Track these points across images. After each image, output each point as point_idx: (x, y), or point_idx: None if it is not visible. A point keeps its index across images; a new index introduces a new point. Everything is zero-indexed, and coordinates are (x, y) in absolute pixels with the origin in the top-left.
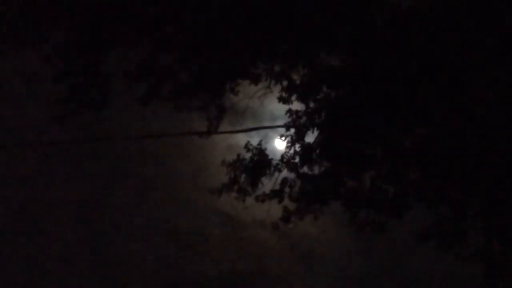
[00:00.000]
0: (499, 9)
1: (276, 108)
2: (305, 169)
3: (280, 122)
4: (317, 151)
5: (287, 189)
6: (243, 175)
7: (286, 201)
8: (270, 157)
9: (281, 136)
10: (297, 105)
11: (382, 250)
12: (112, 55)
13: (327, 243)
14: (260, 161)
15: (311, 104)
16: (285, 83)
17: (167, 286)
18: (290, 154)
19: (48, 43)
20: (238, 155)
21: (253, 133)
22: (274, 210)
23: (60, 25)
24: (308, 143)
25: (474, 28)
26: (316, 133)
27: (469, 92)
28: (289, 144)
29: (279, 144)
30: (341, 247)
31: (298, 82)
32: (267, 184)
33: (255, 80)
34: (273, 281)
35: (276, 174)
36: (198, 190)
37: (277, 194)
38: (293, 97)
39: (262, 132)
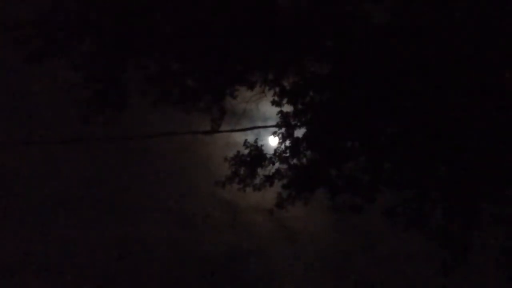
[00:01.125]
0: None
1: (268, 111)
2: (294, 161)
3: (273, 122)
4: (304, 145)
5: (279, 178)
6: (243, 168)
7: (278, 188)
8: (265, 152)
9: (274, 133)
10: (287, 108)
11: (359, 230)
12: (130, 64)
13: (312, 225)
14: (257, 156)
15: (299, 107)
16: (277, 89)
17: (174, 262)
18: (282, 149)
19: (77, 53)
20: (238, 151)
21: (250, 131)
22: (269, 197)
23: (86, 37)
24: (297, 138)
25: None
26: (303, 130)
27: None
28: (281, 140)
29: (272, 141)
30: (324, 228)
31: (288, 88)
32: (263, 174)
33: (252, 86)
34: (266, 258)
35: (270, 166)
36: (203, 181)
37: (269, 179)
38: (284, 101)
39: (257, 130)
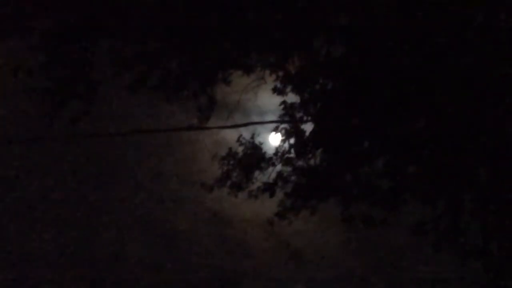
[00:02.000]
0: None
1: (269, 101)
2: (300, 163)
3: (274, 115)
4: (312, 143)
5: (281, 184)
6: (236, 170)
7: (281, 196)
8: (264, 151)
9: (276, 129)
10: (292, 97)
11: (378, 249)
12: (100, 45)
13: (321, 241)
14: (254, 156)
15: (307, 96)
16: (280, 73)
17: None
18: (285, 148)
19: (35, 33)
20: (230, 149)
21: (246, 126)
22: (268, 205)
23: (47, 14)
24: (303, 134)
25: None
26: (311, 125)
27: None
28: (284, 138)
29: (273, 138)
30: (333, 244)
31: (294, 72)
32: (261, 179)
33: (249, 71)
34: (264, 281)
35: (271, 169)
36: (188, 187)
37: (269, 188)
38: (288, 89)
39: (255, 126)
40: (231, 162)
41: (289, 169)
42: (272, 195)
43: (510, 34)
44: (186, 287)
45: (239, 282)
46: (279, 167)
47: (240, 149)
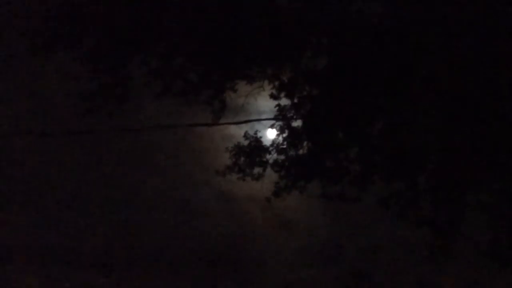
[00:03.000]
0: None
1: (267, 104)
2: (291, 152)
3: (271, 115)
4: (301, 136)
5: (276, 169)
6: (242, 159)
7: (276, 179)
8: (263, 143)
9: (272, 126)
10: (285, 101)
11: (350, 219)
12: (134, 59)
13: (306, 214)
14: (256, 147)
15: (296, 100)
16: (276, 83)
17: (172, 247)
18: (279, 141)
19: (83, 47)
20: (238, 142)
21: (249, 124)
22: (267, 186)
23: (91, 31)
24: (294, 130)
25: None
26: (300, 122)
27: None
28: (279, 133)
29: (270, 133)
30: (315, 217)
31: (286, 81)
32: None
33: (251, 81)
34: (261, 245)
35: (268, 156)
36: (203, 172)
37: (263, 164)
38: (282, 94)
39: (256, 123)
40: (238, 152)
41: (282, 157)
42: (264, 170)
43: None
44: (200, 250)
45: (241, 245)
46: (275, 155)
47: (245, 142)
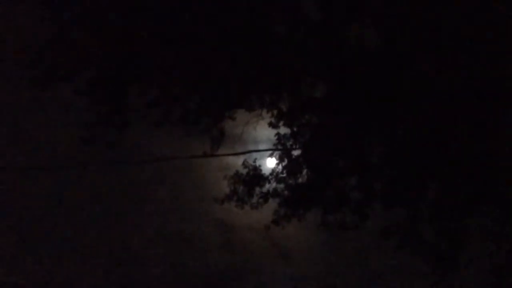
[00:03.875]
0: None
1: (266, 132)
2: (290, 181)
3: (270, 144)
4: (300, 165)
5: (275, 198)
6: (241, 187)
7: (275, 207)
8: (262, 172)
9: (271, 154)
10: (284, 129)
11: (350, 248)
12: (132, 89)
13: (305, 242)
14: (255, 176)
15: (295, 129)
16: (275, 111)
17: (169, 279)
18: (279, 170)
19: (80, 79)
20: (237, 170)
21: (248, 153)
22: (266, 214)
23: (90, 63)
24: (293, 158)
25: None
26: (299, 151)
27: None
28: (278, 161)
29: (270, 162)
30: (316, 245)
31: (285, 110)
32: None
33: (249, 109)
34: (259, 276)
35: (268, 185)
36: (201, 201)
37: (264, 196)
38: (281, 123)
39: (255, 152)
40: (237, 181)
41: (282, 185)
42: (266, 201)
43: None
44: (198, 279)
45: (240, 274)
46: (274, 184)
47: (244, 171)
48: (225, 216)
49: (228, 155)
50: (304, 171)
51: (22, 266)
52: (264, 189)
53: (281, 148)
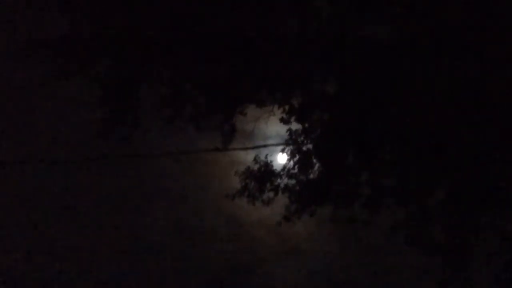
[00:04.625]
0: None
1: (277, 128)
2: (301, 177)
3: (281, 139)
4: (311, 161)
5: (287, 194)
6: (252, 183)
7: (286, 202)
8: (274, 168)
9: (282, 150)
10: (295, 125)
11: (360, 244)
12: (144, 85)
13: (315, 238)
14: (266, 171)
15: (307, 125)
16: (286, 107)
17: (179, 273)
18: (290, 166)
19: (93, 74)
20: (248, 166)
21: (260, 148)
22: (277, 211)
23: (102, 59)
24: (305, 154)
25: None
26: (311, 146)
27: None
28: (289, 157)
29: (281, 158)
30: (324, 242)
31: (296, 106)
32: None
33: (261, 105)
34: (269, 271)
35: (279, 180)
36: (212, 197)
37: (275, 189)
38: (292, 119)
39: (267, 148)
40: (248, 176)
41: (293, 181)
42: (276, 194)
43: None
44: (207, 275)
45: (250, 270)
46: (285, 180)
47: (255, 167)
48: (236, 211)
49: (239, 149)
50: (316, 167)
51: (35, 259)
52: (275, 185)
53: (292, 143)
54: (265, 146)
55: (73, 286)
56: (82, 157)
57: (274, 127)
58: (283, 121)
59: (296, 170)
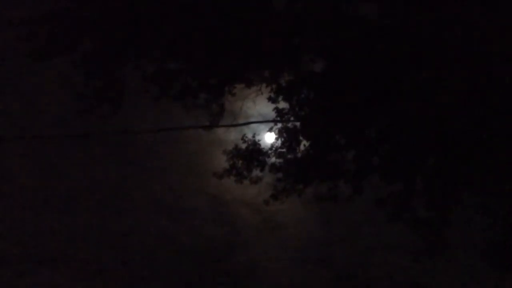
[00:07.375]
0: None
1: (265, 107)
2: (289, 155)
3: (269, 118)
4: (298, 140)
5: (274, 172)
6: (240, 162)
7: (273, 181)
8: (262, 147)
9: (270, 129)
10: (283, 104)
11: (343, 220)
12: (130, 63)
13: (298, 216)
14: (254, 150)
15: (294, 103)
16: (274, 86)
17: (164, 252)
18: (278, 144)
19: (77, 52)
20: (236, 145)
21: (247, 127)
22: (264, 189)
23: (87, 37)
24: (292, 133)
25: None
26: (298, 125)
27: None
28: (277, 136)
29: (269, 137)
30: (308, 220)
31: (284, 85)
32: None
33: (249, 84)
34: (252, 248)
35: (267, 160)
36: (198, 175)
37: (261, 165)
38: (280, 98)
39: (254, 126)
40: (236, 155)
41: (281, 160)
42: (262, 170)
43: None
44: (193, 253)
45: (234, 248)
46: (273, 159)
47: (243, 146)
48: (222, 189)
49: (226, 126)
50: (302, 145)
51: (16, 234)
52: (263, 163)
53: (280, 121)
54: (251, 123)
55: (55, 267)
56: (63, 132)
57: (262, 106)
58: (271, 100)
59: (284, 149)
